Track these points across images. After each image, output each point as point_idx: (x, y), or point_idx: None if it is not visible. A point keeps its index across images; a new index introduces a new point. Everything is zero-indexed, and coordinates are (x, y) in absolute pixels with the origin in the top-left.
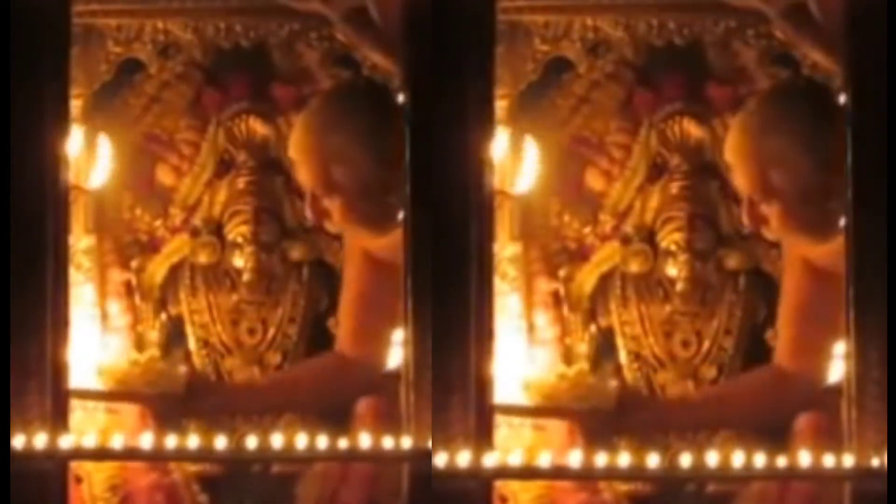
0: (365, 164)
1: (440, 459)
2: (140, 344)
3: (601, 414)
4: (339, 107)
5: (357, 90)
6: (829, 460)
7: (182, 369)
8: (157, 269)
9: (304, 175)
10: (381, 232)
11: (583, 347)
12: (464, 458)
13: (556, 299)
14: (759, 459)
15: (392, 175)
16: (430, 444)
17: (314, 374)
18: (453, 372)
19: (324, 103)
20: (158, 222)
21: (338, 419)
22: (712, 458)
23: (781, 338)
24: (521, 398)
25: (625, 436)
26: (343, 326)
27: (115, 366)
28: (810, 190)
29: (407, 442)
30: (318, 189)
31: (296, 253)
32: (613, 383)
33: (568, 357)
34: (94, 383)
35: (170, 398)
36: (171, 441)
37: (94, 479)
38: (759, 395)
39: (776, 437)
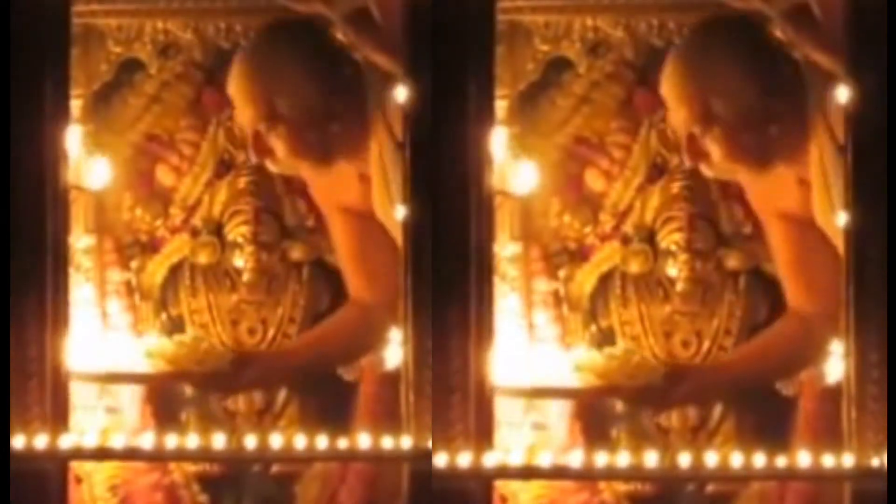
0: (307, 92)
1: (440, 459)
2: (180, 326)
3: (651, 389)
4: (277, 38)
5: (292, 24)
6: (829, 460)
7: (226, 344)
8: (157, 269)
9: (246, 113)
10: (325, 164)
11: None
12: (464, 458)
13: (556, 299)
14: (759, 459)
15: (333, 103)
16: (430, 444)
17: (339, 327)
18: (453, 372)
19: (262, 37)
20: (158, 222)
21: (338, 419)
22: (712, 458)
23: (789, 290)
24: (572, 380)
25: (675, 407)
26: (352, 280)
27: (163, 347)
28: (750, 115)
29: (407, 442)
30: (262, 124)
31: (296, 253)
32: (660, 357)
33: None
34: (143, 366)
35: (218, 375)
36: (171, 441)
37: (94, 479)
38: (789, 343)
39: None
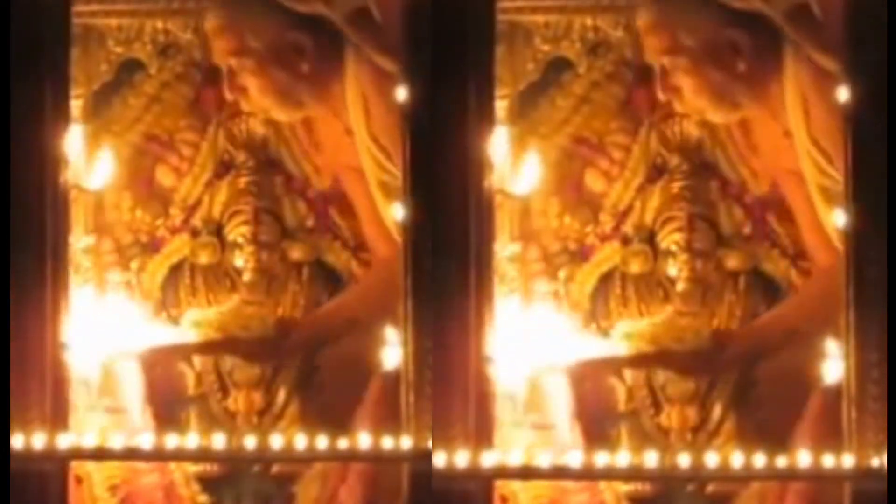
0: (279, 27)
1: (440, 459)
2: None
3: (700, 353)
4: None
5: None
6: (828, 460)
7: (269, 309)
8: (157, 269)
9: (220, 48)
10: (296, 105)
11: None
12: (464, 458)
13: (557, 300)
14: (759, 459)
15: (302, 39)
16: (430, 444)
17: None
18: (453, 372)
19: None
20: (158, 222)
21: (337, 419)
22: (712, 459)
23: (816, 250)
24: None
25: (722, 372)
26: (367, 232)
27: (210, 316)
28: (720, 47)
29: (407, 442)
30: (235, 61)
31: (296, 253)
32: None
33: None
34: (193, 336)
35: (264, 341)
36: (171, 441)
37: (94, 479)
38: (821, 290)
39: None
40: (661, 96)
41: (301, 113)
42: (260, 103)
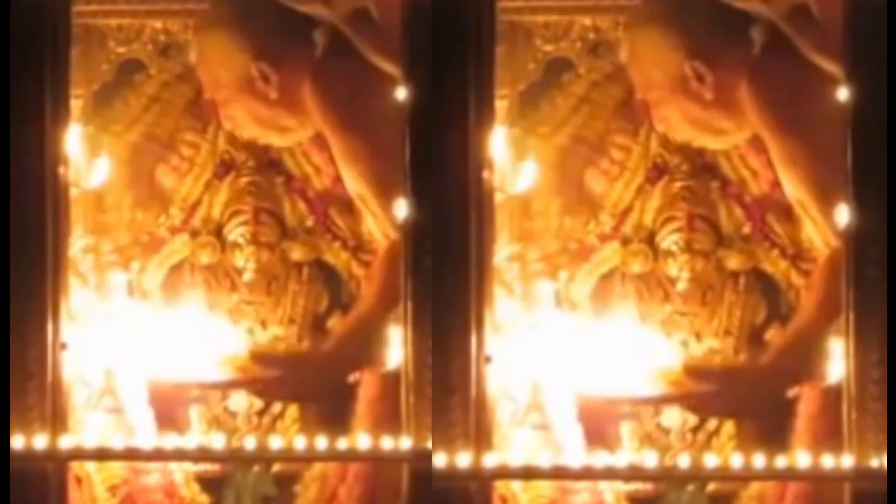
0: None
1: (440, 459)
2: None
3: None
4: None
5: None
6: (828, 460)
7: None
8: (157, 269)
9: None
10: (283, 130)
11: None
12: (464, 459)
13: (557, 299)
14: (759, 459)
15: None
16: (430, 444)
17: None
18: (453, 372)
19: None
20: (159, 222)
21: (337, 419)
22: (712, 459)
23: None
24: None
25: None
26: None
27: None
28: (685, 79)
29: (407, 442)
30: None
31: (296, 253)
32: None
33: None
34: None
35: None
36: (171, 441)
37: (94, 479)
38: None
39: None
40: (658, 127)
41: (294, 136)
42: (250, 131)
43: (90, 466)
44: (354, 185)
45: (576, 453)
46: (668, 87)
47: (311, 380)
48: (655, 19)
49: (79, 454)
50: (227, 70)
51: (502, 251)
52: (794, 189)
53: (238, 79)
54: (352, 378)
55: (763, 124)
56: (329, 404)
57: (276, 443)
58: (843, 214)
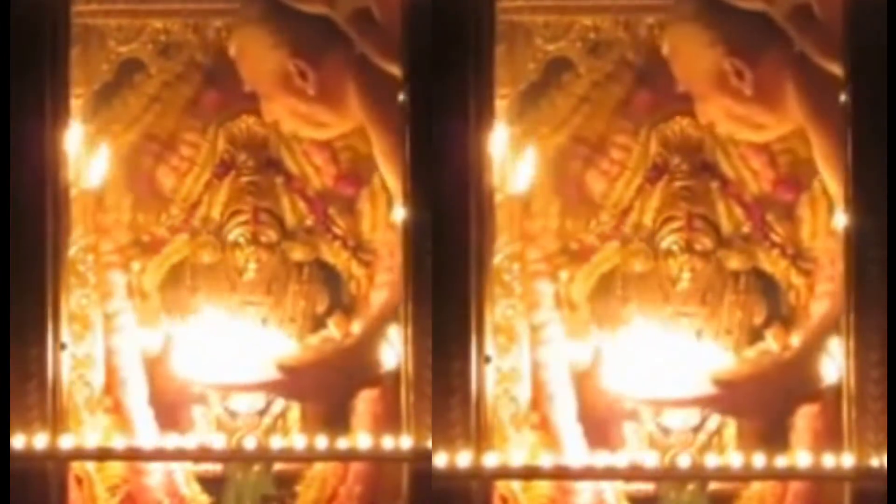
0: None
1: (440, 459)
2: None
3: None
4: None
5: None
6: (828, 460)
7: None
8: (157, 269)
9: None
10: (320, 125)
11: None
12: (464, 459)
13: (557, 300)
14: (759, 459)
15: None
16: (430, 444)
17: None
18: (453, 372)
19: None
20: (159, 222)
21: (337, 418)
22: (712, 459)
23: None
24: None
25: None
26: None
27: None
28: (723, 75)
29: (407, 442)
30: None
31: (296, 253)
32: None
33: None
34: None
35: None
36: (171, 441)
37: (94, 479)
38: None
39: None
40: (701, 120)
41: (331, 131)
42: (290, 126)
43: (90, 466)
44: (393, 180)
45: (576, 453)
46: (708, 82)
47: (311, 379)
48: (691, 17)
49: (79, 454)
50: (265, 66)
51: (502, 251)
52: (836, 186)
53: (275, 75)
54: (352, 378)
55: (808, 119)
56: (329, 404)
57: (276, 443)
58: (843, 215)
